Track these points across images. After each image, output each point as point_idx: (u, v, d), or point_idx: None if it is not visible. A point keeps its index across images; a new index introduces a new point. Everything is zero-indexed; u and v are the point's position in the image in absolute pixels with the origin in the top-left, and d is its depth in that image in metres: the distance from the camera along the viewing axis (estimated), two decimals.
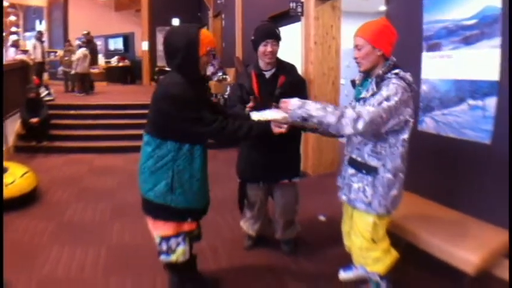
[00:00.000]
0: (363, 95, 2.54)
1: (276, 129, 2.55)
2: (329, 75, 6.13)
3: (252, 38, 3.27)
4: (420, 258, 3.17)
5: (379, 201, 2.56)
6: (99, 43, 16.82)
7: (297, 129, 2.84)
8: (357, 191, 2.62)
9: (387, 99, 2.34)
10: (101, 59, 17.41)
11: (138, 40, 17.62)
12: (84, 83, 12.19)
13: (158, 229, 2.67)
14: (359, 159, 2.60)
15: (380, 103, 2.34)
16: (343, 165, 2.81)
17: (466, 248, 2.86)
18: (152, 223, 2.70)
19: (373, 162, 2.53)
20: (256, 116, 2.63)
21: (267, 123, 2.57)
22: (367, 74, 2.62)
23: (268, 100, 3.02)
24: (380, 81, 2.46)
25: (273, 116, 2.56)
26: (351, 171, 2.66)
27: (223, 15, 12.97)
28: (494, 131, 3.20)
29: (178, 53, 2.47)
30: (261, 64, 3.32)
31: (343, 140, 2.81)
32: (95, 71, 14.43)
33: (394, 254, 2.73)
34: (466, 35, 3.37)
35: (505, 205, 2.97)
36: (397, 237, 3.07)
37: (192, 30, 2.50)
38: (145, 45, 16.14)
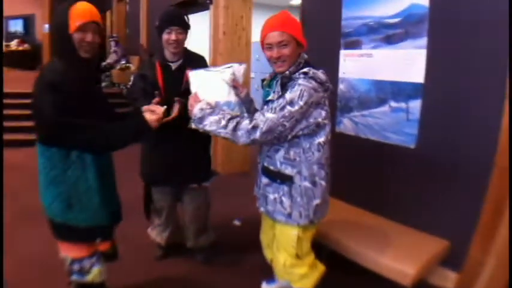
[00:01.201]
0: (270, 97, 2.28)
1: (153, 119, 2.26)
2: None
3: (156, 24, 2.95)
4: (347, 263, 2.98)
5: (299, 212, 2.34)
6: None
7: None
8: (274, 202, 2.39)
9: (291, 103, 2.10)
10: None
11: (39, 22, 16.23)
12: None
13: (67, 251, 2.38)
14: (271, 167, 2.35)
15: (282, 108, 2.10)
16: (257, 173, 2.56)
17: (399, 259, 2.73)
18: (59, 243, 2.38)
19: (287, 170, 2.30)
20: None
21: (141, 116, 2.27)
22: (274, 74, 2.37)
23: (174, 95, 2.73)
24: (287, 81, 2.22)
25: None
26: (265, 180, 2.42)
27: (127, 0, 12.31)
28: (419, 135, 3.09)
29: (53, 34, 2.21)
30: (167, 54, 3.00)
31: None
32: None
33: (320, 268, 2.58)
34: (389, 33, 3.21)
35: (431, 211, 2.98)
36: (320, 245, 2.90)
37: (61, 7, 2.15)
38: (46, 28, 14.90)
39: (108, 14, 13.98)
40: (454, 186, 2.93)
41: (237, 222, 4.30)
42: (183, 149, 3.03)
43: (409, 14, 3.04)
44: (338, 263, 2.91)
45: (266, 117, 2.11)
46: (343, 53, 3.65)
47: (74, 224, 2.25)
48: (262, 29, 2.25)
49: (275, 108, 2.12)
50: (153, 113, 2.25)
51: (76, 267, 2.40)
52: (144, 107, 2.30)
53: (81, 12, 2.12)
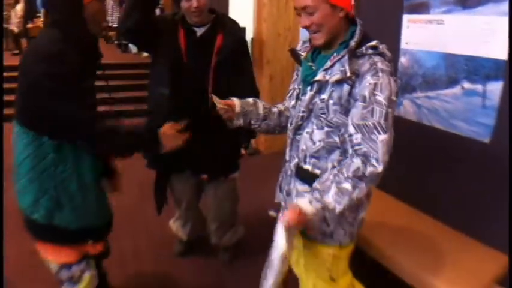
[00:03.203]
0: (319, 77, 1.70)
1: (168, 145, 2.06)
2: (285, 37, 5.38)
3: None
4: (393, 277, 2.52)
5: (344, 229, 1.85)
6: None
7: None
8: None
9: (389, 102, 1.59)
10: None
11: None
12: None
13: (52, 255, 2.11)
14: (316, 171, 1.79)
15: (386, 116, 1.59)
16: (282, 174, 2.05)
17: (457, 284, 2.27)
18: (42, 247, 2.10)
19: None
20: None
21: (155, 136, 2.03)
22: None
23: (199, 68, 2.40)
24: (354, 58, 1.64)
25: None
26: (302, 187, 1.87)
27: None
28: (496, 127, 2.52)
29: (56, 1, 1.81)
30: (189, 20, 2.50)
31: None
32: None
33: None
34: None
35: (500, 221, 2.45)
36: (362, 253, 2.54)
37: None
38: None
39: None
40: None
41: (273, 213, 3.80)
42: (210, 134, 2.57)
43: None
44: (382, 275, 2.52)
45: (379, 141, 1.58)
46: (406, 17, 3.04)
47: (62, 225, 1.99)
48: None
49: (377, 122, 1.58)
50: (171, 137, 2.05)
51: (65, 274, 2.14)
52: (165, 128, 2.06)
53: None
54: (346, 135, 1.66)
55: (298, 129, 1.84)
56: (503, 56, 2.41)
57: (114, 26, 10.17)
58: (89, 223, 2.09)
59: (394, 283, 2.49)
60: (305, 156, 1.83)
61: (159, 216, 2.99)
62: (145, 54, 9.67)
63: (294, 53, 1.93)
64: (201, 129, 2.45)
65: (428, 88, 2.92)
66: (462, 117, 2.69)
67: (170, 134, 2.06)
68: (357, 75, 1.61)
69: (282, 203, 2.06)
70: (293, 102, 1.92)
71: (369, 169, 1.56)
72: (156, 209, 2.89)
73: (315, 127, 1.75)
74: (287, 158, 1.98)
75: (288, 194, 1.98)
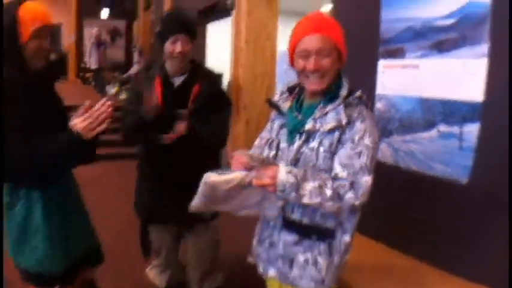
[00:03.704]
0: (309, 127, 1.71)
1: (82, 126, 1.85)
2: (262, 81, 5.46)
3: (158, 29, 2.54)
4: None
5: (333, 274, 1.82)
6: None
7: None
8: (304, 265, 1.82)
9: (374, 146, 1.67)
10: None
11: (65, 32, 16.44)
12: None
13: None
14: (305, 220, 1.78)
15: (371, 158, 1.65)
16: (263, 226, 2.01)
17: None
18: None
19: (329, 222, 1.76)
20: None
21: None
22: (299, 93, 1.89)
23: (176, 120, 2.41)
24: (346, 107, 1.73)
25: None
26: (290, 238, 1.84)
27: (153, 8, 12.20)
28: (474, 168, 2.58)
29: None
30: (169, 67, 2.53)
31: None
32: None
33: None
34: (440, 39, 2.72)
35: (481, 258, 2.57)
36: None
37: (8, 8, 1.83)
38: (72, 38, 15.28)
39: (135, 23, 13.99)
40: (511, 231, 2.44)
41: (251, 259, 3.75)
42: (186, 179, 2.44)
43: (466, 14, 2.57)
44: None
45: (363, 181, 1.62)
46: (382, 63, 3.15)
47: (24, 266, 2.03)
48: (295, 30, 1.77)
49: (364, 164, 1.64)
50: (85, 119, 1.86)
51: None
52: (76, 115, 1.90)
53: (38, 15, 1.86)
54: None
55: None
56: (479, 98, 2.49)
57: (92, 67, 10.31)
58: (47, 268, 2.04)
59: None
60: (293, 207, 1.82)
61: (136, 260, 2.97)
62: (123, 96, 9.78)
63: (272, 104, 1.94)
64: (178, 174, 2.51)
65: (405, 132, 2.98)
66: (439, 159, 2.75)
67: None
68: (348, 123, 1.66)
69: (263, 255, 2.00)
70: (273, 152, 1.89)
71: (349, 195, 1.59)
72: (142, 253, 2.90)
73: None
74: (267, 211, 1.92)
75: (271, 245, 1.94)
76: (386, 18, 3.07)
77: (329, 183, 1.60)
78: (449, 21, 2.64)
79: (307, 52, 1.69)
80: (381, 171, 2.94)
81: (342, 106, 1.68)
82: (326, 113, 1.70)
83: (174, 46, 2.41)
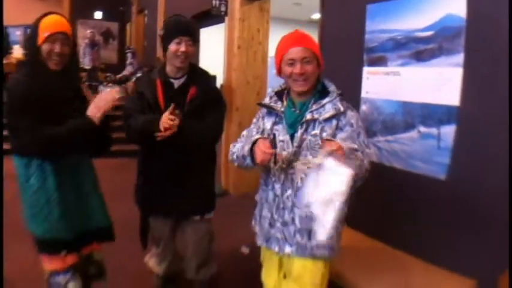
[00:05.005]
0: (309, 117, 2.07)
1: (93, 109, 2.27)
2: (254, 84, 5.62)
3: (161, 32, 2.64)
4: None
5: (338, 242, 2.21)
6: (17, 33, 15.67)
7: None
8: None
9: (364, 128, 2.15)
10: (18, 50, 16.34)
11: None
12: None
13: (44, 262, 2.36)
14: None
15: (364, 136, 2.12)
16: (271, 210, 2.23)
17: None
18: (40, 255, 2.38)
19: None
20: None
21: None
22: (287, 96, 2.23)
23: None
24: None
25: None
26: (303, 212, 2.08)
27: (146, 12, 12.25)
28: (451, 165, 2.74)
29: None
30: (169, 69, 2.68)
31: None
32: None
33: None
34: (419, 49, 2.87)
35: (460, 248, 2.70)
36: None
37: (36, 18, 2.22)
38: None
39: (128, 26, 13.94)
40: (487, 223, 2.60)
41: (244, 250, 3.97)
42: (182, 175, 2.72)
43: (444, 27, 2.71)
44: None
45: (369, 153, 2.08)
46: (366, 70, 3.32)
47: (38, 234, 2.27)
48: (280, 45, 2.16)
49: (364, 140, 2.08)
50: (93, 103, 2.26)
51: (52, 281, 2.37)
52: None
53: (49, 24, 2.17)
54: None
55: (289, 164, 2.09)
56: (455, 102, 2.67)
57: (86, 67, 10.36)
58: (58, 235, 2.26)
59: None
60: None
61: (135, 252, 3.10)
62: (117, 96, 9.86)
63: (265, 106, 2.23)
64: (175, 170, 2.69)
65: (388, 133, 3.15)
66: (419, 157, 2.91)
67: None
68: (343, 112, 2.06)
69: (277, 235, 2.22)
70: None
71: (366, 161, 1.98)
72: (141, 244, 3.04)
73: (310, 157, 2.03)
74: (277, 192, 2.18)
75: (285, 224, 2.17)
76: (370, 29, 3.23)
77: (360, 155, 1.96)
78: (428, 33, 2.80)
79: (293, 60, 2.05)
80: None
81: (338, 98, 2.09)
82: (323, 105, 2.07)
83: (179, 46, 2.53)
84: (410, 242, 3.02)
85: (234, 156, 2.26)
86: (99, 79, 10.77)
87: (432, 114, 2.83)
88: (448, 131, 2.74)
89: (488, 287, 2.53)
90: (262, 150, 1.96)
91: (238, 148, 2.23)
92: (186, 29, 2.60)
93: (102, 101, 2.26)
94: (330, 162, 1.76)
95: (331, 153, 1.78)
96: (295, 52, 2.06)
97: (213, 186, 3.06)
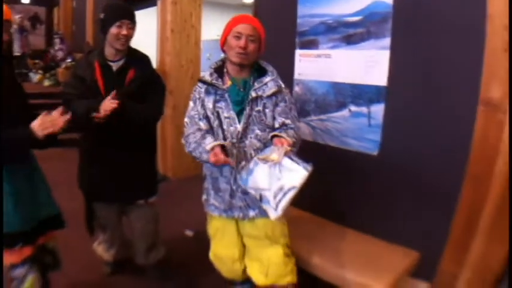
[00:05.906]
0: (254, 95, 2.26)
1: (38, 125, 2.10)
2: (187, 68, 5.61)
3: (101, 16, 2.63)
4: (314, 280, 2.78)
5: None
6: None
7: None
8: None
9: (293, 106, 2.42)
10: None
11: None
12: None
13: (4, 257, 2.32)
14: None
15: (295, 110, 2.42)
16: (228, 185, 2.38)
17: (367, 274, 2.57)
18: None
19: None
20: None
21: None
22: (226, 72, 2.37)
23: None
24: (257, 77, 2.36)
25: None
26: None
27: None
28: (382, 142, 2.92)
29: None
30: (108, 52, 2.69)
31: None
32: None
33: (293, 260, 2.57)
34: (349, 33, 3.01)
35: (398, 220, 2.87)
36: None
37: None
38: None
39: (56, 10, 13.37)
40: (421, 195, 2.78)
41: (188, 233, 4.04)
42: (125, 160, 2.76)
43: (372, 12, 2.86)
44: (305, 280, 2.71)
45: (298, 126, 2.44)
46: (298, 52, 3.44)
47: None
48: (231, 20, 2.30)
49: (295, 115, 2.39)
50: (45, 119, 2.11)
51: (12, 274, 2.35)
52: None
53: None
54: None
55: (240, 140, 2.26)
56: (383, 82, 2.83)
57: (16, 54, 9.90)
58: (13, 228, 2.24)
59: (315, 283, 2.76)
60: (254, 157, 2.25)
61: (82, 241, 3.12)
62: (46, 83, 9.54)
63: (208, 83, 2.32)
64: (115, 156, 2.73)
65: (321, 112, 3.29)
66: (352, 135, 3.07)
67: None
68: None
69: (239, 203, 2.38)
70: (216, 122, 2.30)
71: (298, 134, 2.36)
72: (87, 231, 3.04)
73: (258, 131, 2.26)
74: (231, 167, 2.31)
75: (245, 193, 2.31)
76: (302, 13, 3.34)
77: (292, 131, 2.26)
78: (357, 18, 2.93)
79: (240, 34, 2.21)
80: (301, 147, 3.29)
81: (278, 77, 2.33)
82: (266, 83, 2.27)
83: (120, 29, 2.57)
84: (348, 217, 3.18)
85: (191, 149, 2.35)
86: (29, 67, 10.37)
87: (362, 94, 2.98)
88: (378, 110, 2.90)
89: (432, 259, 2.71)
90: (216, 159, 2.11)
91: (193, 147, 2.31)
92: (127, 13, 2.64)
93: (50, 123, 2.10)
94: (286, 161, 2.07)
95: (286, 153, 2.05)
96: (244, 27, 2.22)
97: (155, 169, 3.11)
